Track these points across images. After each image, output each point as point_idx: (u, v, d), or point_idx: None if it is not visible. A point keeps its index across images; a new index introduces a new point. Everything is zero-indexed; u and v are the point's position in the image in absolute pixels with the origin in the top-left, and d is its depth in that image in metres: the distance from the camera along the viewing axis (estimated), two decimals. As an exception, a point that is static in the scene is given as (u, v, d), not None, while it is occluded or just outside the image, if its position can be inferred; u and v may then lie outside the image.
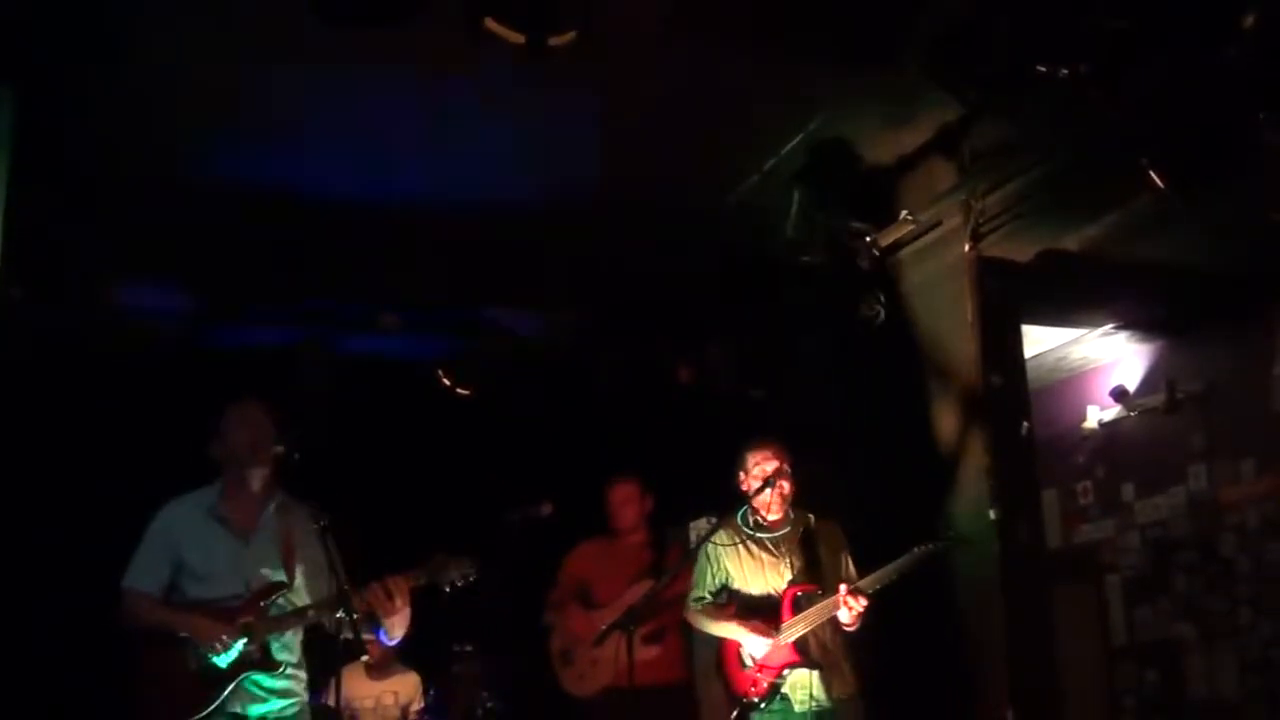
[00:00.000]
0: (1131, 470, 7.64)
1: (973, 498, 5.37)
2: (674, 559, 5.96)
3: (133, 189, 5.76)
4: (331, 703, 4.30)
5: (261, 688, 4.28)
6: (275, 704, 4.31)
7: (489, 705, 6.40)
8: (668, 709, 5.76)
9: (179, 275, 6.84)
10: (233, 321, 7.23)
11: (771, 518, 5.12)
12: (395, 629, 4.40)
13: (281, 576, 4.38)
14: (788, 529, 5.10)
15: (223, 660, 4.20)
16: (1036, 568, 5.50)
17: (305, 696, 4.42)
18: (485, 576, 4.60)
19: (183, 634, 4.21)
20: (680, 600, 5.90)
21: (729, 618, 5.07)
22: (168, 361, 7.02)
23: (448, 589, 4.40)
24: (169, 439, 6.33)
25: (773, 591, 5.03)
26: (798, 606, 4.92)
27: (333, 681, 4.28)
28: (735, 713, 5.01)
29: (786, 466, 5.04)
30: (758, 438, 5.21)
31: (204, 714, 4.16)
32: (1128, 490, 7.66)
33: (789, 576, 5.01)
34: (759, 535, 5.12)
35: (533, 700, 6.45)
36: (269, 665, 4.28)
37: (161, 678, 4.19)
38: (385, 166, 5.71)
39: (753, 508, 5.13)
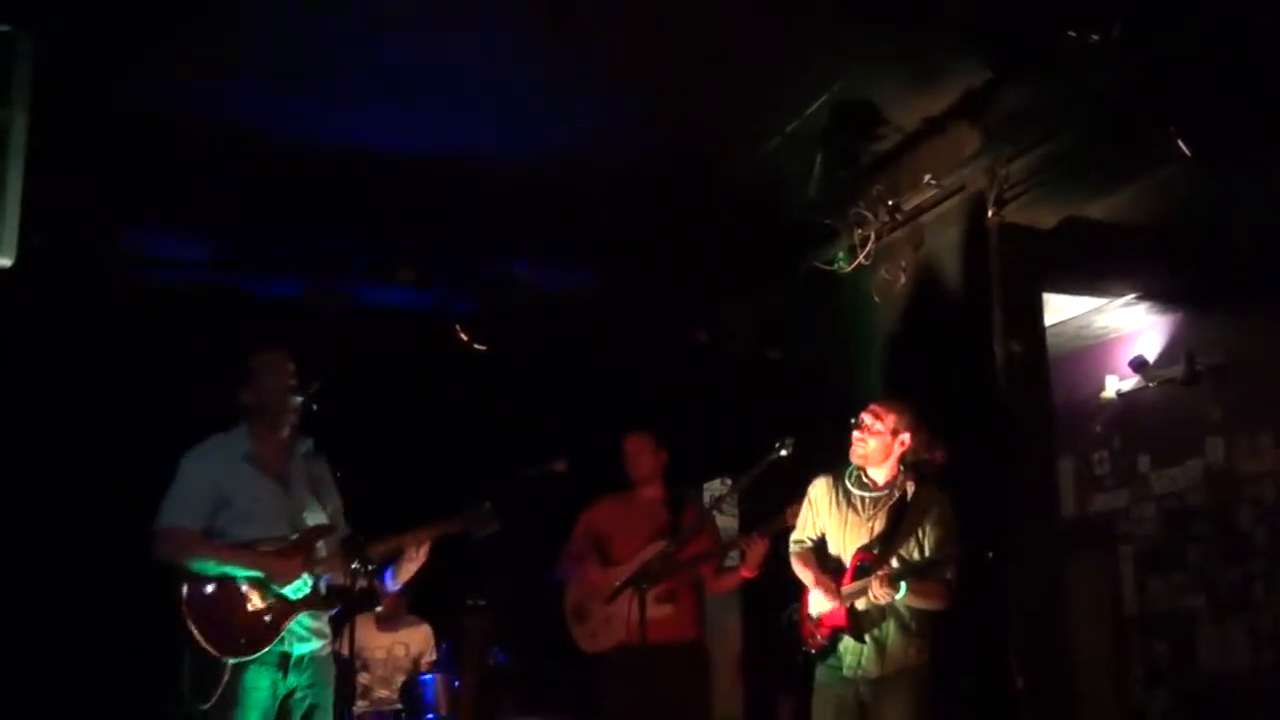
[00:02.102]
0: (1148, 441, 7.63)
1: (989, 464, 5.35)
2: (689, 520, 5.96)
3: (151, 137, 5.75)
4: (345, 651, 4.33)
5: (305, 628, 4.37)
6: (315, 644, 4.40)
7: (500, 659, 6.45)
8: (680, 666, 5.78)
9: (196, 225, 6.84)
10: (249, 272, 7.23)
11: (873, 475, 4.95)
12: (405, 575, 4.57)
13: (324, 520, 4.47)
14: (885, 493, 4.91)
15: (293, 594, 4.29)
16: (1050, 537, 5.49)
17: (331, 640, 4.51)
18: (499, 531, 4.65)
19: (250, 572, 4.28)
20: (694, 562, 5.92)
21: (810, 565, 5.01)
22: (184, 311, 7.02)
23: (480, 535, 4.49)
24: (185, 389, 6.38)
25: (845, 552, 4.91)
26: (858, 574, 4.80)
27: (346, 630, 4.32)
28: (800, 657, 5.00)
29: (875, 424, 4.87)
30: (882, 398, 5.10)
31: (263, 652, 4.24)
32: (1144, 461, 7.65)
33: (865, 541, 4.87)
34: (854, 491, 4.97)
35: (544, 655, 6.49)
36: (326, 605, 4.41)
37: (221, 615, 4.25)
38: (406, 118, 5.69)
39: (857, 464, 5.00)
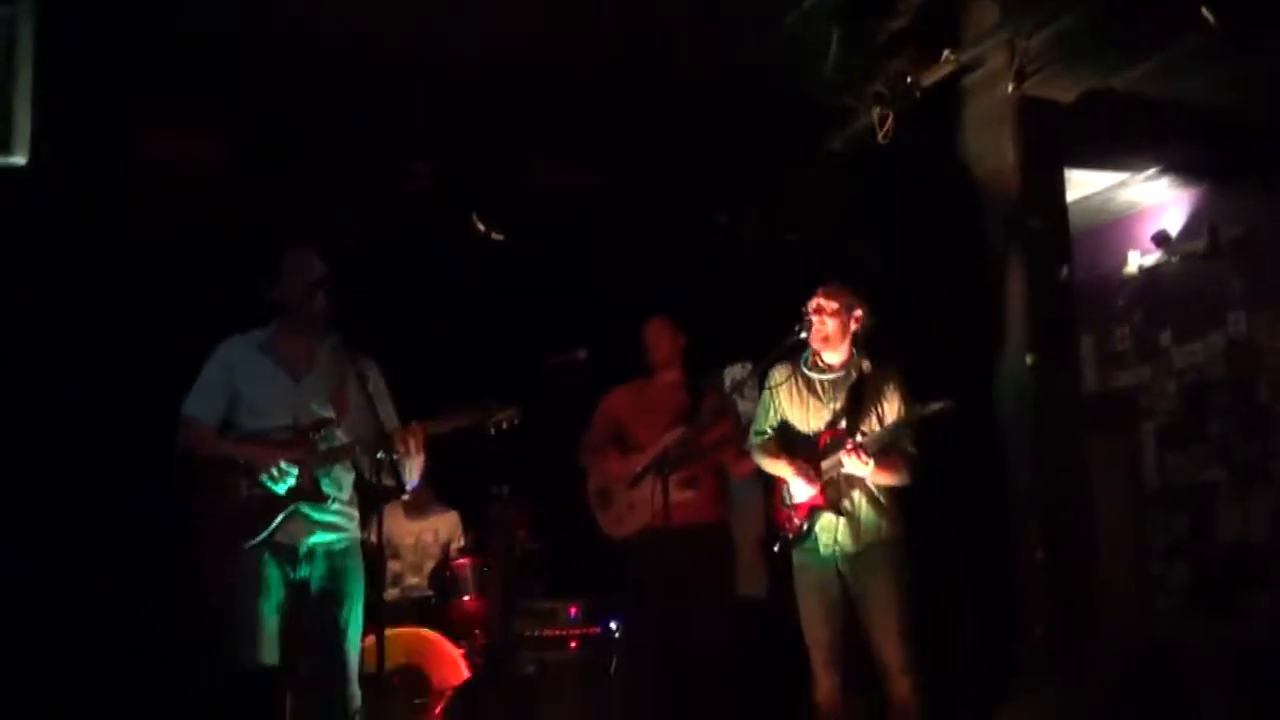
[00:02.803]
0: (1170, 316, 7.60)
1: (1011, 341, 5.35)
2: (709, 406, 5.99)
3: (164, 35, 5.69)
4: (374, 539, 4.39)
5: (310, 520, 4.42)
6: (324, 536, 4.44)
7: (525, 546, 6.53)
8: (704, 546, 5.85)
9: (210, 122, 6.79)
10: (266, 168, 7.19)
11: (828, 359, 5.05)
12: (410, 475, 4.53)
13: (329, 413, 4.49)
14: (843, 373, 5.02)
15: (279, 489, 4.33)
16: (1071, 413, 5.50)
17: (356, 533, 4.55)
18: (521, 421, 4.66)
19: (240, 462, 4.34)
20: (715, 447, 5.96)
21: (781, 455, 5.09)
22: (201, 211, 6.99)
23: (492, 431, 4.50)
24: (206, 289, 6.36)
25: (812, 433, 5.02)
26: (828, 451, 4.92)
27: (375, 520, 4.38)
28: (776, 546, 5.11)
29: (829, 304, 4.95)
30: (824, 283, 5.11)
31: (254, 542, 4.31)
32: (1165, 336, 7.63)
33: (828, 419, 4.99)
34: (812, 376, 5.06)
35: (569, 541, 6.57)
36: (316, 497, 4.42)
37: (216, 505, 4.34)
38: (420, 10, 5.61)
39: (812, 349, 5.07)
